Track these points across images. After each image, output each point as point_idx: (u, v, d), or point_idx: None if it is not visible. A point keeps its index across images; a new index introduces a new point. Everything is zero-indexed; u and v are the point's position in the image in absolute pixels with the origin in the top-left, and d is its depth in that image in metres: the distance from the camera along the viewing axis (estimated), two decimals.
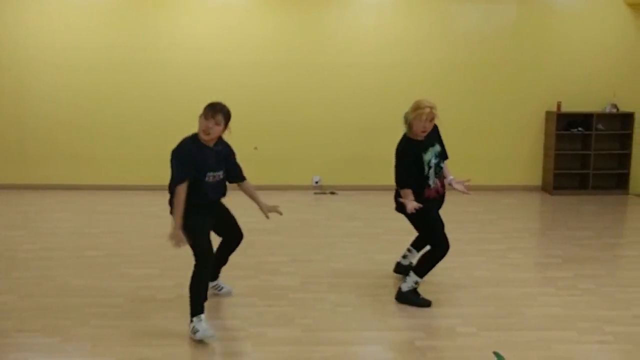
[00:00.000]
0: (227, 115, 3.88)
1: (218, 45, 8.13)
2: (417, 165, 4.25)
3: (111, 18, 8.04)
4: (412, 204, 4.16)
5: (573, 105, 8.34)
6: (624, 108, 8.34)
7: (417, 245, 4.80)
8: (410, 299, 4.37)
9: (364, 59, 8.23)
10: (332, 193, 8.29)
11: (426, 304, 4.36)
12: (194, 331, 3.78)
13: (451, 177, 4.46)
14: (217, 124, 3.81)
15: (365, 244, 5.85)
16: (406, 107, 4.31)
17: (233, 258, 4.40)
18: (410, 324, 4.05)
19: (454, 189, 4.43)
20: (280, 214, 4.30)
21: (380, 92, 8.28)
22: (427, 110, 4.17)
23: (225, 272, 4.50)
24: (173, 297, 4.42)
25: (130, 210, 7.23)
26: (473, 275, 4.97)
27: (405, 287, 4.40)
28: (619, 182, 8.52)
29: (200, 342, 3.74)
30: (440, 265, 4.81)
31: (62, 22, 8.00)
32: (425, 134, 4.25)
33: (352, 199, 7.98)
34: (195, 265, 3.88)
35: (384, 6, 8.21)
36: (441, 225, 4.33)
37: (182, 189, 3.80)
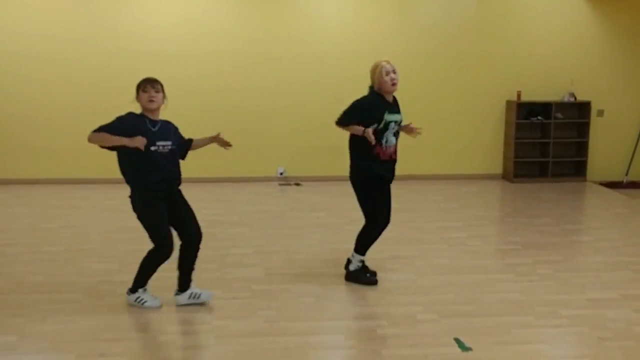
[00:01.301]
0: (161, 84, 4.05)
1: (178, 35, 8.01)
2: (375, 118, 4.28)
3: (66, 6, 7.83)
4: (369, 134, 4.22)
5: (532, 94, 8.48)
6: (582, 97, 8.51)
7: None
8: (358, 277, 4.54)
9: (327, 50, 8.21)
10: (297, 184, 8.28)
11: (373, 281, 4.50)
12: (141, 301, 4.06)
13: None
14: (158, 91, 3.98)
15: (329, 235, 5.86)
16: None
17: None
18: (371, 312, 4.08)
19: (405, 131, 4.52)
20: (229, 145, 4.43)
21: (343, 82, 8.24)
22: (385, 62, 4.30)
23: None
24: None
25: (88, 204, 7.09)
26: (434, 262, 5.03)
27: (352, 267, 4.56)
28: (577, 170, 8.71)
29: (152, 310, 3.92)
30: (402, 254, 4.88)
31: (14, 10, 7.77)
32: (395, 87, 4.31)
33: (317, 189, 7.98)
34: (155, 249, 3.95)
35: None
36: (380, 206, 4.41)
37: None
